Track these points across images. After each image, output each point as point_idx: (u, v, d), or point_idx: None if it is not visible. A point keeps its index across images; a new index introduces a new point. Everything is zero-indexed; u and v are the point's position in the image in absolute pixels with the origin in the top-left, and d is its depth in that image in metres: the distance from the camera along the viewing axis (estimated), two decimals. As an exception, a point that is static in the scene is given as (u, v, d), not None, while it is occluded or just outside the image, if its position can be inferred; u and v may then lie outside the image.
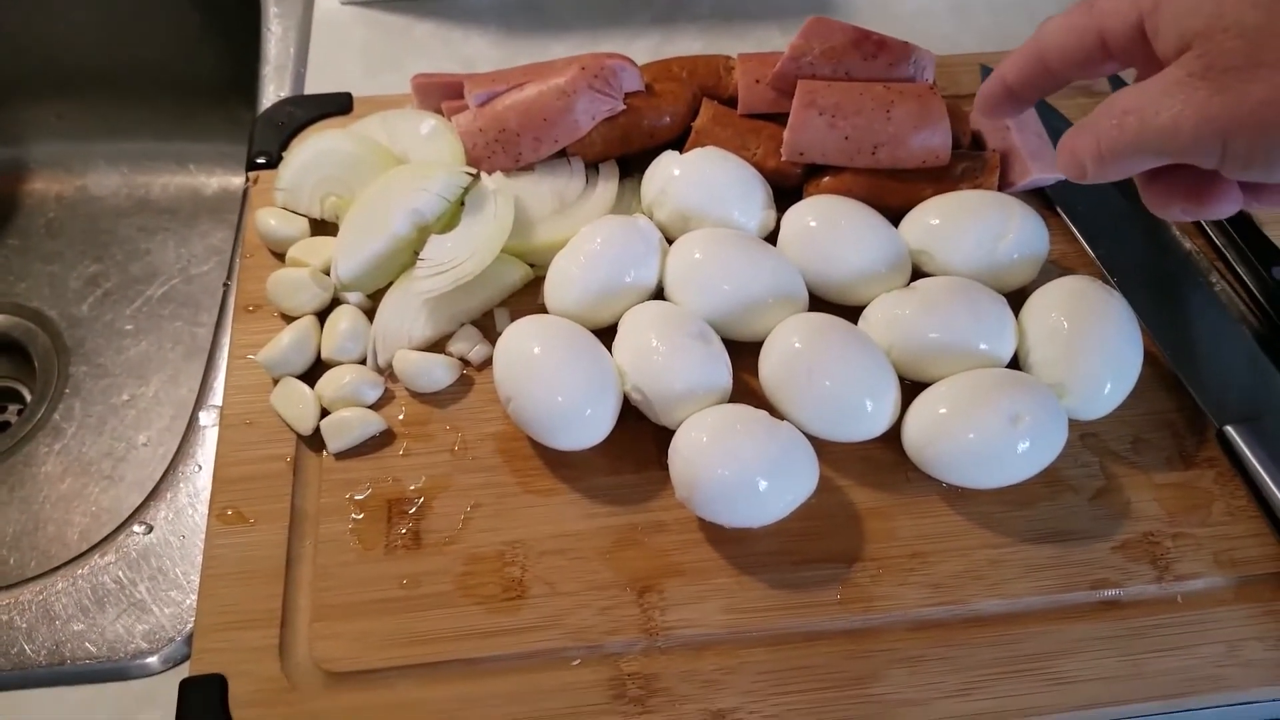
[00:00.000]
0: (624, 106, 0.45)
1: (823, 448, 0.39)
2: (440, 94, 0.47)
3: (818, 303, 0.42)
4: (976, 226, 0.43)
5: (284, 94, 0.54)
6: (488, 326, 0.43)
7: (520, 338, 0.38)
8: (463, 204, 0.43)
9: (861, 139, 0.44)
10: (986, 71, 0.51)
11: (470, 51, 0.55)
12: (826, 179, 0.45)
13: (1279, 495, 0.38)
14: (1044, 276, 0.43)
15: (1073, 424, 0.40)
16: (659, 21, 0.57)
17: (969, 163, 0.45)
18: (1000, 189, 0.46)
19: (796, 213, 0.43)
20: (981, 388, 0.38)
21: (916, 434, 0.38)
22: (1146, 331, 0.42)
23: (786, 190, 0.46)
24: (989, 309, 0.41)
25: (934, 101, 0.43)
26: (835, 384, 0.38)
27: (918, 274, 0.43)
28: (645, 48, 0.56)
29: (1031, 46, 0.35)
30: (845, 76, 0.44)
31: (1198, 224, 0.46)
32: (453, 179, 0.42)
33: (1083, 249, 0.46)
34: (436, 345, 0.42)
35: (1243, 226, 0.45)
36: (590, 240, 0.41)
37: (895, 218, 0.44)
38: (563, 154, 0.45)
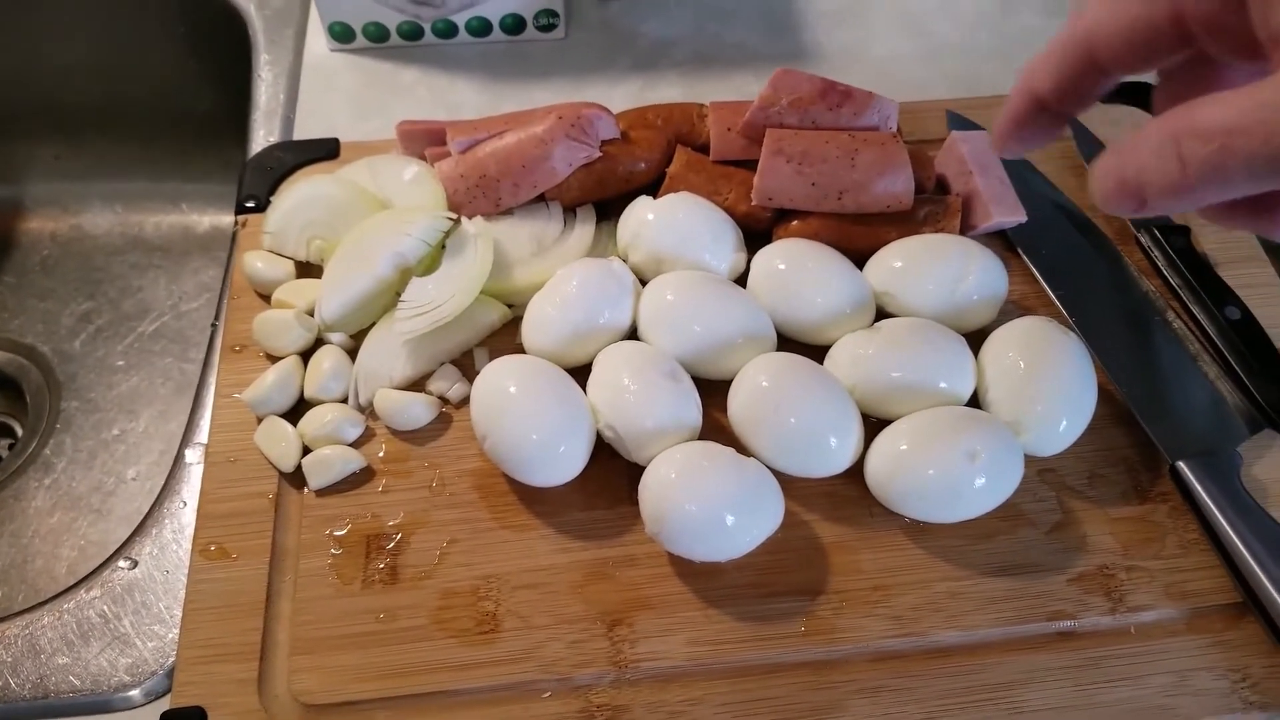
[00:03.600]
0: (600, 154, 0.46)
1: (789, 483, 0.40)
2: (424, 140, 0.48)
3: (786, 342, 0.44)
4: (937, 269, 0.44)
5: (274, 138, 0.56)
6: (467, 366, 0.44)
7: (496, 377, 0.40)
8: (444, 247, 0.44)
9: (827, 185, 0.45)
10: (953, 117, 0.52)
11: (456, 98, 0.57)
12: (795, 223, 0.46)
13: (1228, 529, 0.39)
14: (1004, 317, 0.44)
15: (1030, 460, 0.41)
16: (640, 68, 0.59)
17: (931, 207, 0.47)
18: (963, 232, 0.48)
19: (765, 256, 0.45)
20: (941, 425, 0.40)
21: (878, 470, 0.40)
22: (1104, 370, 0.44)
23: (757, 233, 0.47)
24: (949, 349, 0.42)
25: (896, 149, 0.45)
26: (800, 421, 0.40)
27: (882, 315, 0.45)
28: (626, 94, 0.58)
29: (1069, 39, 0.26)
30: (812, 125, 0.46)
31: (1154, 264, 0.48)
32: (434, 223, 0.44)
33: (1043, 290, 0.47)
34: (417, 384, 0.44)
35: (1197, 267, 0.47)
36: (566, 282, 0.42)
37: (860, 260, 0.46)
38: (542, 199, 0.47)
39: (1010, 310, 0.45)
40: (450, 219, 0.44)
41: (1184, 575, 0.40)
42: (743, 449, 0.40)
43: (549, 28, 0.59)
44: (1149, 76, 0.28)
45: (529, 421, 0.38)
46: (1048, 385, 0.41)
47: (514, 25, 0.58)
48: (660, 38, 0.60)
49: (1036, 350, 0.42)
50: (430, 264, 0.44)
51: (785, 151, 0.45)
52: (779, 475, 0.39)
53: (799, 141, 0.45)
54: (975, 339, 0.43)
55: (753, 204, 0.46)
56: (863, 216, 0.46)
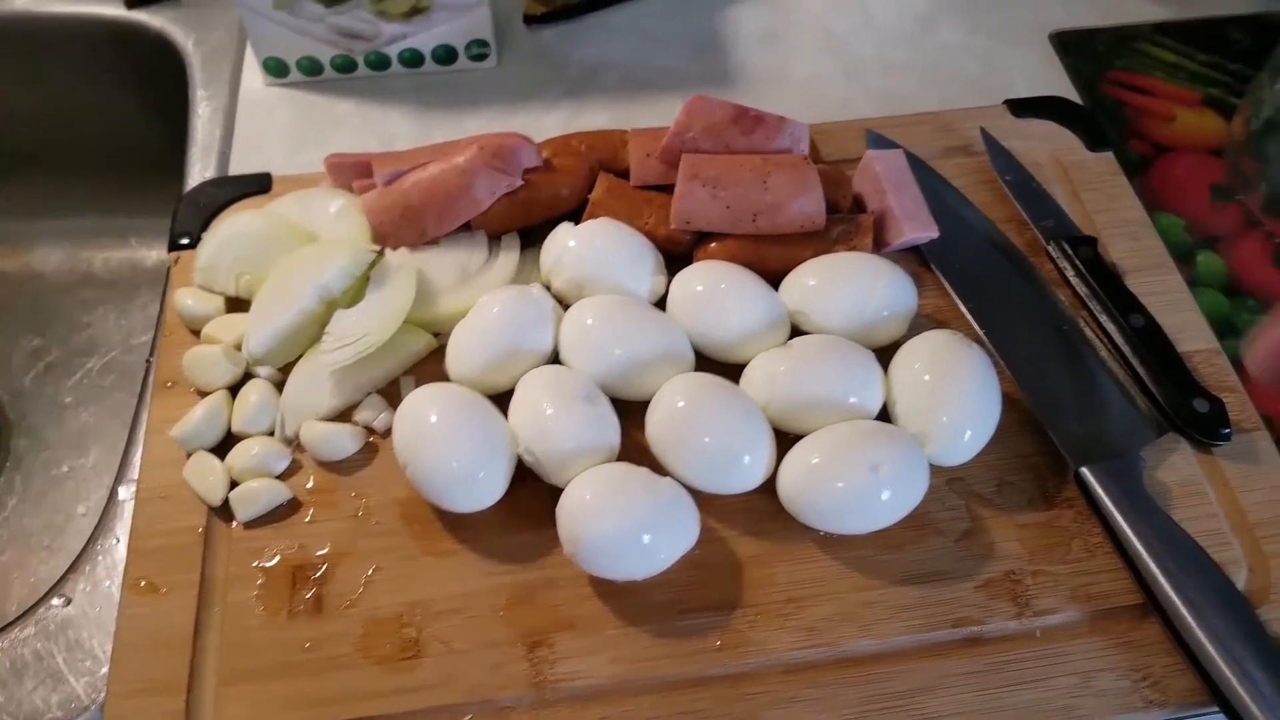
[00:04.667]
0: (522, 182, 0.47)
1: (707, 501, 0.41)
2: (352, 173, 0.49)
3: (704, 362, 0.45)
4: (848, 287, 0.46)
5: (210, 173, 0.57)
6: (395, 395, 0.45)
7: (416, 406, 0.41)
8: (369, 279, 0.45)
9: (741, 208, 0.47)
10: (872, 136, 0.54)
11: (390, 129, 0.58)
12: (713, 245, 0.48)
13: (1129, 531, 0.41)
14: (915, 331, 0.45)
15: (939, 469, 0.43)
16: (571, 94, 0.60)
17: (845, 226, 0.48)
18: (878, 248, 0.49)
19: (684, 278, 0.46)
20: (848, 439, 0.41)
21: (790, 484, 0.41)
22: (1013, 379, 0.45)
23: (677, 256, 0.48)
24: (858, 364, 0.43)
25: (807, 171, 0.47)
26: (714, 440, 0.41)
27: (797, 332, 0.46)
28: (557, 120, 0.59)
29: None
30: (726, 150, 0.47)
31: (1063, 275, 0.49)
32: (358, 256, 0.45)
33: (956, 303, 0.48)
34: (345, 415, 0.45)
35: (1104, 277, 0.48)
36: (488, 309, 0.44)
37: (777, 280, 0.47)
38: (467, 227, 0.48)
39: (922, 324, 0.46)
40: (373, 251, 0.45)
41: (1088, 578, 0.41)
42: (661, 468, 0.41)
43: (481, 57, 0.60)
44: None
45: (448, 449, 0.40)
46: (952, 397, 0.42)
47: (446, 56, 0.60)
48: (590, 64, 0.62)
49: (942, 363, 0.43)
50: (355, 296, 0.45)
51: (700, 176, 0.46)
52: (696, 493, 0.40)
53: (713, 166, 0.47)
54: (887, 353, 0.44)
55: (671, 228, 0.48)
56: (778, 237, 0.48)
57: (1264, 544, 0.42)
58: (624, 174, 0.50)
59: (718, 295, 0.45)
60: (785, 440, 0.42)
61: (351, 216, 0.47)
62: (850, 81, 0.61)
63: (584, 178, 0.49)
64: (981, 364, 0.43)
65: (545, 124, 0.59)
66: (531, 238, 0.49)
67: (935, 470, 0.42)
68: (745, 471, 0.41)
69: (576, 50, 0.62)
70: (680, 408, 0.41)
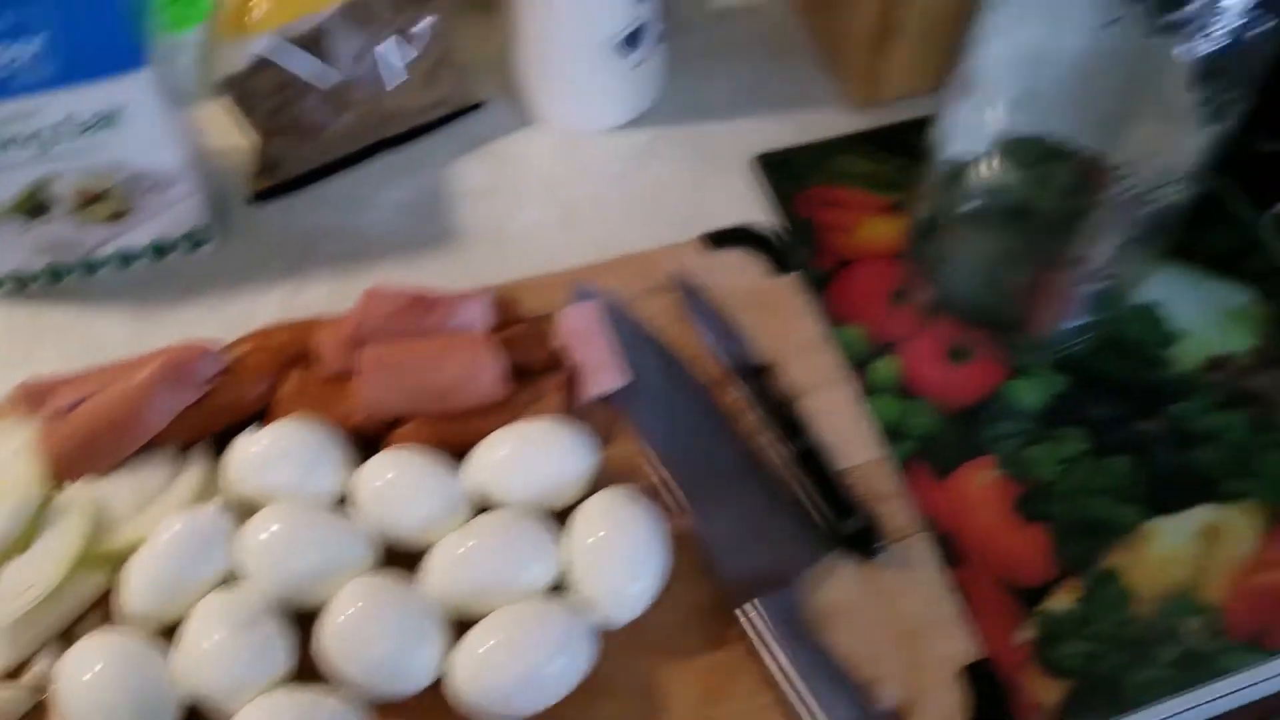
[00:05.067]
0: (204, 393, 0.49)
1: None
2: (36, 401, 0.50)
3: (394, 555, 0.47)
4: (530, 455, 0.48)
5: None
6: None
7: (73, 664, 0.41)
8: (41, 522, 0.46)
9: (424, 390, 0.49)
10: (580, 289, 0.57)
11: (104, 334, 0.59)
12: (404, 428, 0.50)
13: (780, 663, 0.44)
14: (604, 484, 0.48)
15: (622, 627, 0.45)
16: (290, 271, 0.62)
17: (531, 391, 0.51)
18: (572, 402, 0.52)
19: (366, 472, 0.48)
20: (513, 620, 0.43)
21: (458, 677, 0.42)
22: (694, 520, 0.48)
23: (375, 440, 0.50)
24: (534, 537, 0.46)
25: (483, 347, 0.49)
26: (385, 646, 0.42)
27: (487, 507, 0.48)
28: (276, 299, 0.60)
29: None
30: (406, 334, 0.50)
31: (748, 401, 0.52)
32: (25, 498, 0.46)
33: (644, 449, 0.51)
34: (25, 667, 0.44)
35: (776, 403, 0.52)
36: (159, 537, 0.45)
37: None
38: (151, 445, 0.49)
39: (615, 473, 0.49)
40: (42, 492, 0.46)
41: (756, 714, 0.44)
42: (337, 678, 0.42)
43: (199, 244, 0.62)
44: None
45: (98, 714, 0.40)
46: (618, 556, 0.45)
47: (161, 250, 0.61)
48: (310, 236, 0.64)
49: (609, 522, 0.46)
50: (27, 541, 0.46)
51: (382, 363, 0.49)
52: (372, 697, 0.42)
53: (393, 353, 0.49)
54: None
55: (358, 418, 0.50)
56: (466, 412, 0.50)
57: (920, 650, 0.46)
58: (324, 361, 0.52)
59: (400, 484, 0.47)
60: (464, 626, 0.44)
61: (26, 452, 0.47)
62: (566, 229, 0.64)
63: (273, 375, 0.51)
64: (646, 518, 0.46)
65: (264, 304, 0.60)
66: (222, 444, 0.50)
67: (611, 627, 0.44)
68: (415, 672, 0.43)
69: (297, 223, 0.64)
70: (346, 618, 0.43)
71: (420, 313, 0.50)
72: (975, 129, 0.47)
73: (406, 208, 0.65)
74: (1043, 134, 0.45)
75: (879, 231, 0.62)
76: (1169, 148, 0.46)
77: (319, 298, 0.60)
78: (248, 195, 0.64)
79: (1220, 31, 0.39)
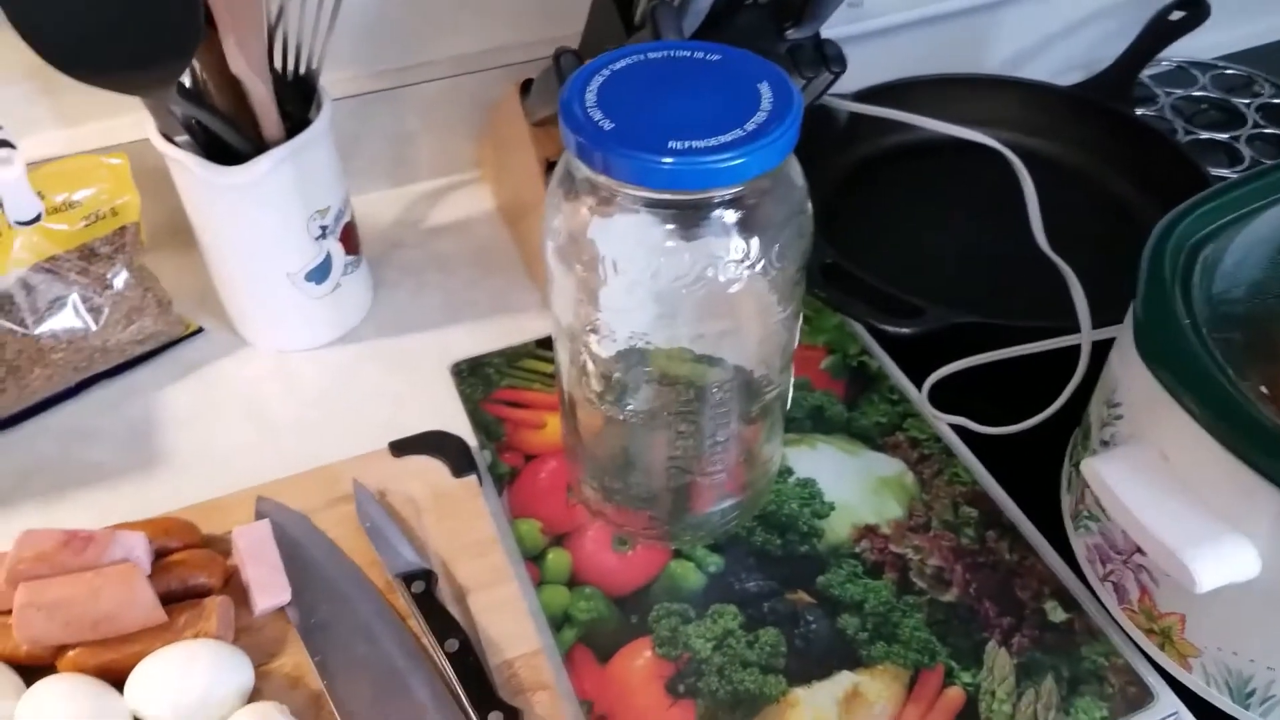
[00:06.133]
0: None
1: None
2: None
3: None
4: (181, 674, 0.51)
5: None
6: None
7: None
8: None
9: (79, 622, 0.51)
10: (262, 504, 0.60)
11: None
12: (67, 656, 0.52)
13: None
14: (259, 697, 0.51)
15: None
16: (2, 504, 0.64)
17: (190, 613, 0.54)
18: (249, 615, 0.55)
19: (26, 700, 0.50)
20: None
21: None
22: (344, 727, 0.51)
23: (47, 666, 0.52)
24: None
25: (134, 578, 0.52)
26: None
27: (142, 728, 0.50)
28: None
29: None
30: (61, 570, 0.53)
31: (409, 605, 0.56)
32: None
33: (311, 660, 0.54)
34: None
35: (431, 608, 0.55)
36: None
37: (127, 678, 0.51)
38: None
39: (280, 685, 0.53)
40: None
41: None
42: None
43: (-93, 488, 0.64)
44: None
45: None
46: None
47: None
48: (22, 471, 0.66)
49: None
50: None
51: (35, 602, 0.51)
52: None
53: (48, 590, 0.52)
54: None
55: (22, 650, 0.52)
56: (127, 637, 0.52)
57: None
58: (1, 597, 0.54)
59: (55, 710, 0.49)
60: None
61: None
62: (267, 448, 0.68)
63: (-57, 616, 0.53)
64: (281, 729, 0.48)
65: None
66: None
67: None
68: None
69: (10, 460, 0.67)
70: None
71: (76, 550, 0.53)
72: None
73: (120, 436, 0.68)
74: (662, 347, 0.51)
75: (559, 429, 0.67)
76: (768, 348, 0.53)
77: (29, 517, 0.62)
78: (-37, 435, 0.67)
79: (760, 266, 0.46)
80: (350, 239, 0.70)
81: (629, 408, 0.53)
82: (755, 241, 0.45)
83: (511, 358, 0.73)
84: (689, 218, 0.45)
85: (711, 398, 0.53)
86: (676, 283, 0.46)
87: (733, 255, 0.45)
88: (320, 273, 0.68)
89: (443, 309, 0.77)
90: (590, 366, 0.53)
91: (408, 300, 0.78)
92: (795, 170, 0.47)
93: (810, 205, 0.49)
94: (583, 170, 0.45)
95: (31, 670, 0.52)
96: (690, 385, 0.52)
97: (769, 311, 0.50)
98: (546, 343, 0.73)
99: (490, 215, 0.85)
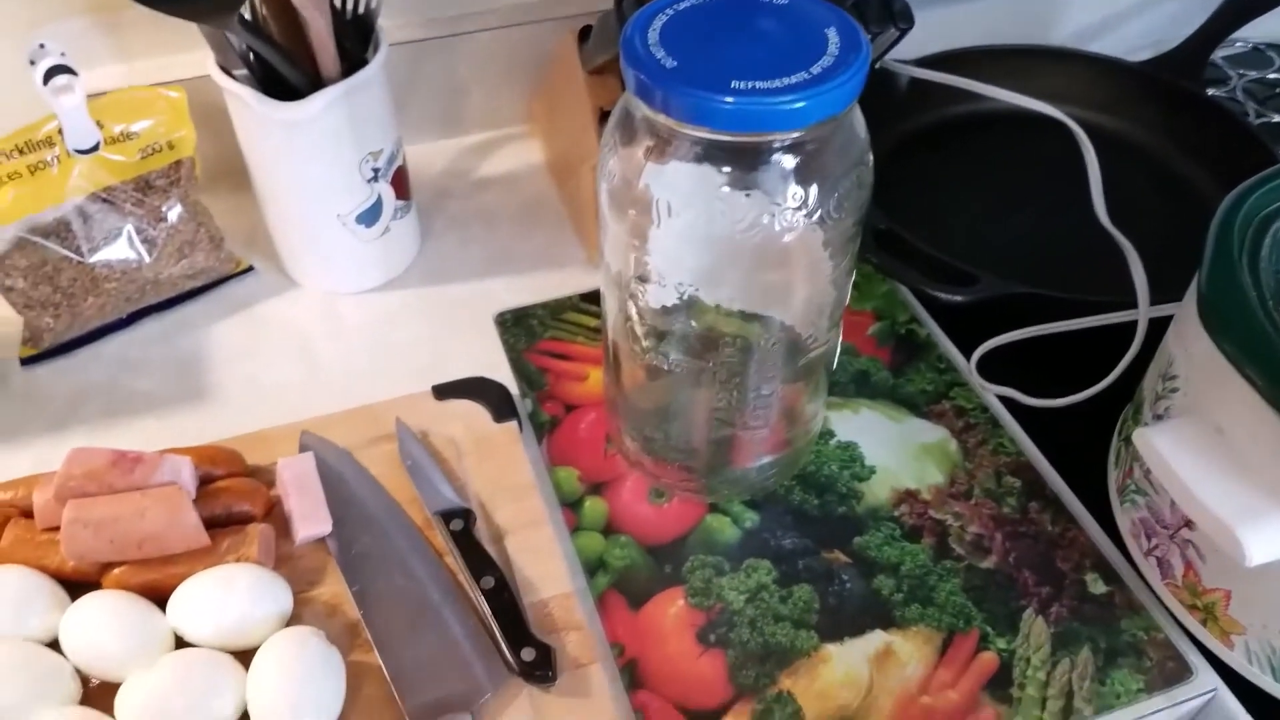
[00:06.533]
0: (-85, 548, 0.52)
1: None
2: None
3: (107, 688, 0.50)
4: (223, 597, 0.51)
5: None
6: None
7: None
8: None
9: (125, 541, 0.52)
10: (306, 438, 0.61)
11: None
12: (112, 574, 0.53)
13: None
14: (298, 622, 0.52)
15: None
16: (51, 430, 0.66)
17: (234, 538, 0.54)
18: (290, 545, 0.55)
19: (71, 614, 0.51)
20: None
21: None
22: (379, 655, 0.51)
23: (92, 584, 0.53)
24: (217, 674, 0.49)
25: (180, 501, 0.53)
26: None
27: (183, 645, 0.51)
28: (34, 458, 0.64)
29: None
30: (109, 490, 0.54)
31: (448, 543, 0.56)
32: None
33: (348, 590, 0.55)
34: None
35: (469, 545, 0.56)
36: None
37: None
38: None
39: (318, 613, 0.54)
40: None
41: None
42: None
43: (-38, 407, 0.65)
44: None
45: None
46: (290, 689, 0.48)
47: (-79, 413, 0.64)
48: (74, 397, 0.67)
49: (285, 659, 0.49)
50: None
51: (82, 519, 0.52)
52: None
53: (96, 507, 0.53)
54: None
55: (70, 565, 0.53)
56: (171, 557, 0.53)
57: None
58: (50, 514, 0.55)
59: (98, 625, 0.51)
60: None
61: None
62: (313, 386, 0.68)
63: (-2, 528, 0.54)
64: (319, 654, 0.49)
65: (19, 461, 0.63)
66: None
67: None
68: None
69: (64, 385, 0.68)
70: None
71: (123, 470, 0.53)
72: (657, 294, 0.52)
73: (169, 368, 0.69)
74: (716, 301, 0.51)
75: (601, 382, 0.67)
76: (817, 305, 0.52)
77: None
78: (20, 359, 0.68)
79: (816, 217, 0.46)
80: (401, 184, 0.71)
81: (673, 359, 0.53)
82: (814, 189, 0.45)
83: (555, 310, 0.72)
84: (747, 161, 0.44)
85: (758, 352, 0.52)
86: (731, 229, 0.45)
87: (790, 203, 0.44)
88: (371, 215, 0.69)
89: (488, 260, 0.77)
90: (636, 316, 0.52)
91: (454, 250, 0.78)
92: (858, 119, 0.47)
93: (871, 157, 0.48)
94: (641, 109, 0.44)
95: (77, 586, 0.53)
96: (737, 339, 0.51)
97: (821, 265, 0.49)
98: (591, 297, 0.73)
99: (538, 170, 0.85)
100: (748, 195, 0.44)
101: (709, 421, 0.56)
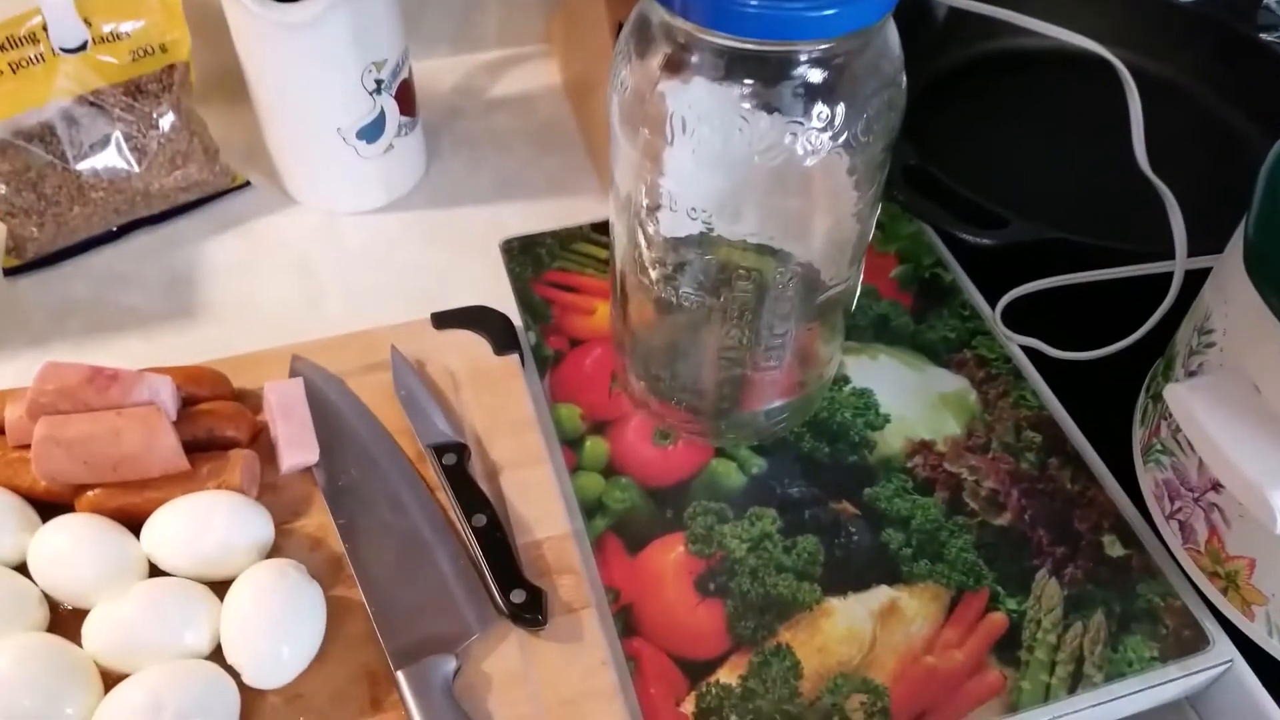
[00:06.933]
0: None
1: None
2: None
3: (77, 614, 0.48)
4: (199, 525, 0.49)
5: None
6: None
7: None
8: None
9: (99, 462, 0.50)
10: (297, 363, 0.58)
11: None
12: (86, 496, 0.51)
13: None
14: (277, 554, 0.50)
15: (280, 691, 0.46)
16: (34, 343, 0.63)
17: (214, 463, 0.52)
18: (274, 473, 0.53)
19: (40, 536, 0.49)
20: (162, 676, 0.44)
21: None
22: (361, 590, 0.49)
23: (64, 506, 0.51)
24: (189, 604, 0.47)
25: (158, 422, 0.51)
26: (34, 699, 0.43)
27: (158, 573, 0.49)
28: (15, 372, 0.61)
29: None
30: (84, 408, 0.51)
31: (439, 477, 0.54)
32: None
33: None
34: None
35: (461, 481, 0.53)
36: None
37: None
38: None
39: (300, 545, 0.51)
40: None
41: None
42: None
43: (-57, 316, 0.63)
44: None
45: None
46: (267, 622, 0.46)
47: (-100, 321, 0.62)
48: (58, 309, 0.65)
49: (262, 591, 0.47)
50: None
51: (54, 437, 0.50)
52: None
53: (69, 426, 0.50)
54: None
55: (41, 485, 0.51)
56: (149, 481, 0.51)
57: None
58: (24, 431, 0.53)
59: (68, 549, 0.48)
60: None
61: None
62: (309, 307, 0.66)
63: (-33, 443, 0.52)
64: (298, 587, 0.47)
65: (3, 373, 0.61)
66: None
67: (274, 692, 0.46)
68: None
69: (47, 297, 0.66)
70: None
71: (99, 388, 0.51)
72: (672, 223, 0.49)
73: (160, 282, 0.67)
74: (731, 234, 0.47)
75: (609, 317, 0.64)
76: (838, 240, 0.49)
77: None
78: (3, 270, 0.65)
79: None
80: (407, 99, 0.67)
81: (684, 293, 0.50)
82: (841, 109, 0.41)
83: (565, 240, 0.69)
84: (770, 74, 0.40)
85: (773, 288, 0.49)
86: (750, 150, 0.42)
87: (814, 123, 0.41)
88: (373, 130, 0.65)
89: (497, 184, 0.74)
90: (645, 245, 0.49)
91: (462, 172, 0.75)
92: (892, 35, 0.43)
93: (905, 79, 0.44)
94: (659, 13, 0.41)
95: (49, 508, 0.51)
96: (751, 272, 0.48)
97: (845, 195, 0.46)
98: (602, 227, 0.70)
99: (554, 92, 0.81)
100: (770, 113, 0.41)
101: (718, 361, 0.54)
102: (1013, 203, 0.64)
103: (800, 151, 0.42)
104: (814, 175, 0.43)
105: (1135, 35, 0.82)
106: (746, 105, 0.41)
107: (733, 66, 0.40)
